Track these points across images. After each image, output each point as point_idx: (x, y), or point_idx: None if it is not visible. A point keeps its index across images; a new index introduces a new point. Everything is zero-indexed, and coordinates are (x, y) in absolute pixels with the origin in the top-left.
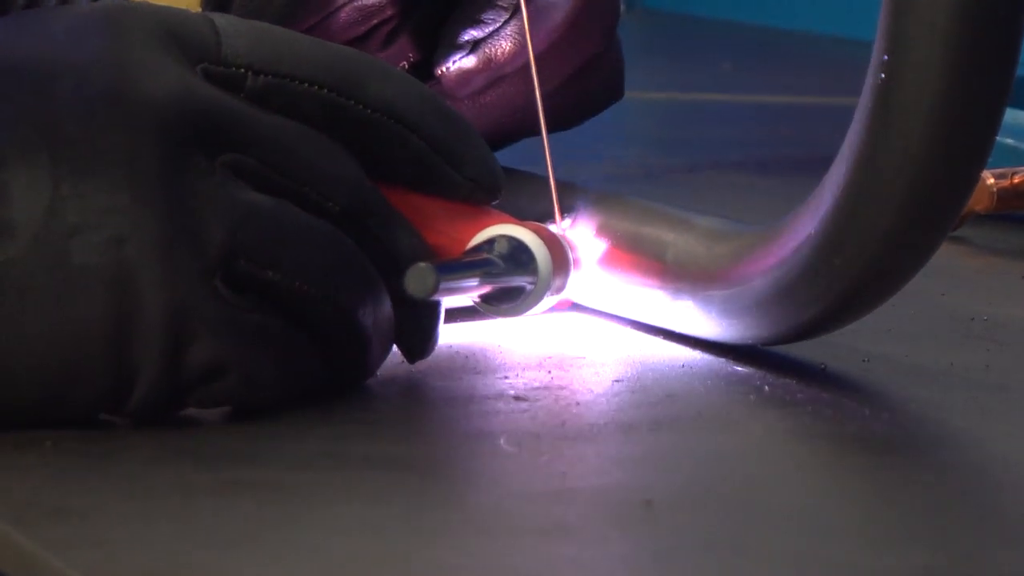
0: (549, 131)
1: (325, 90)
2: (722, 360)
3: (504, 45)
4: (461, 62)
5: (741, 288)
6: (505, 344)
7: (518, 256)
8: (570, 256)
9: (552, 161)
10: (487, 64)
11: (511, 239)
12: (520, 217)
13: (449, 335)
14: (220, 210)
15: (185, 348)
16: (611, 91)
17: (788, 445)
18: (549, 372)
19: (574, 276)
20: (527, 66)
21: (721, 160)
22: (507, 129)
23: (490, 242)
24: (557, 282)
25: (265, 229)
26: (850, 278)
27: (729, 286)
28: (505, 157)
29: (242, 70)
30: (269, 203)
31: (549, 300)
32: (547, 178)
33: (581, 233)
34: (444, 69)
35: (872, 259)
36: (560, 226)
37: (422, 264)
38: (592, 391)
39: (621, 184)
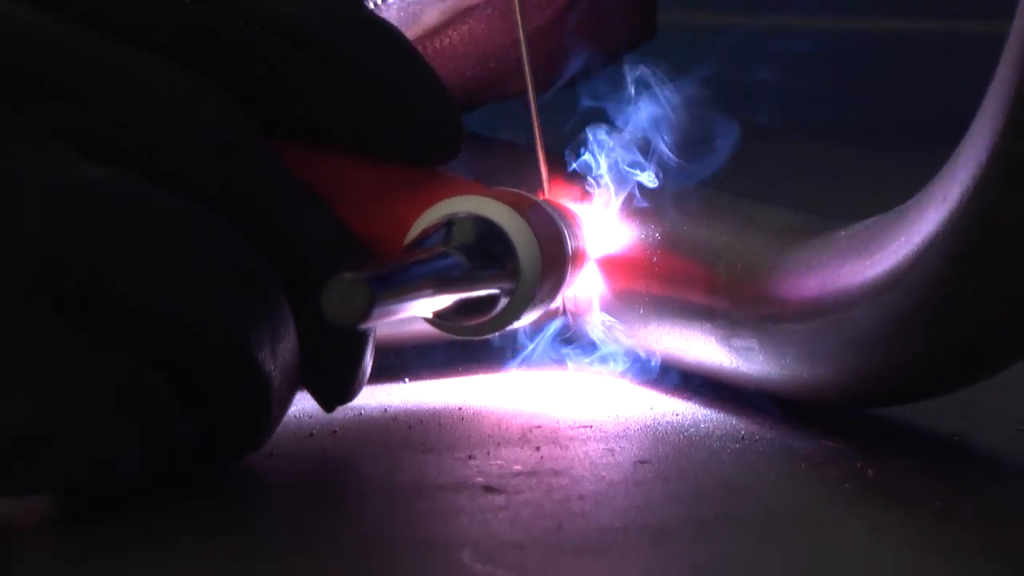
0: (543, 89)
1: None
2: (802, 430)
3: None
4: None
5: (831, 318)
6: (470, 404)
7: (488, 246)
8: (567, 241)
9: (542, 131)
10: None
11: (478, 220)
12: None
13: (382, 393)
14: (37, 192)
15: None
16: (637, 25)
17: (905, 561)
18: (537, 448)
19: (573, 279)
20: None
21: (808, 121)
22: (476, 84)
23: (446, 226)
24: (548, 284)
25: (106, 219)
26: (1003, 300)
27: (813, 315)
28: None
29: None
30: (110, 179)
31: (534, 313)
32: (533, 146)
33: (587, 213)
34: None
35: None
36: (551, 195)
37: (347, 276)
38: (604, 478)
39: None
